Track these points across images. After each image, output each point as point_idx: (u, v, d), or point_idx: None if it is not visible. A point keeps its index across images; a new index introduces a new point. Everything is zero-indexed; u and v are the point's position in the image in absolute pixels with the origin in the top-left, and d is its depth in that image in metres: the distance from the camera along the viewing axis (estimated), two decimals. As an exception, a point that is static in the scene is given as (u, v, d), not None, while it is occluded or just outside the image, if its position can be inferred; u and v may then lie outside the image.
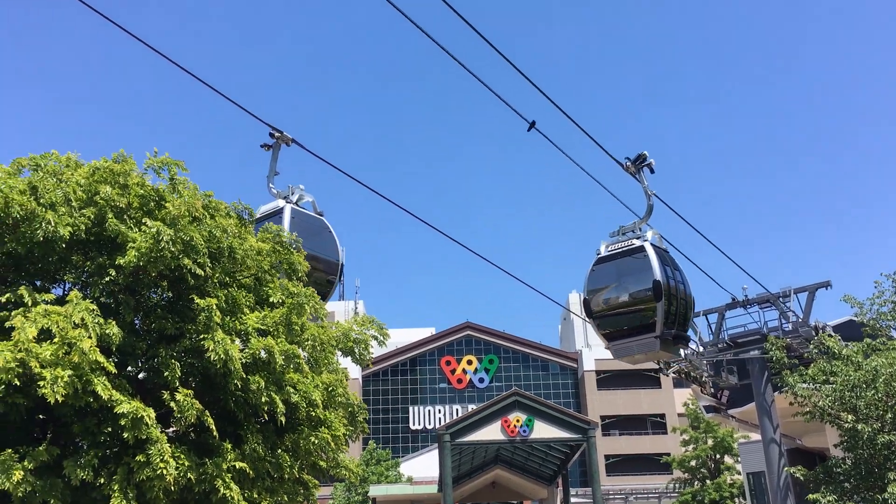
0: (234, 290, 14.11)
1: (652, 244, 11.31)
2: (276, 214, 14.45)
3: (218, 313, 12.78)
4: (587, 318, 11.90)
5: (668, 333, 11.14)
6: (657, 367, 26.94)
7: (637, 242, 11.39)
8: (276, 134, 12.32)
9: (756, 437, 29.84)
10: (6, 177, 13.16)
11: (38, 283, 14.51)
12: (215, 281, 13.93)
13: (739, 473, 44.21)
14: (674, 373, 25.40)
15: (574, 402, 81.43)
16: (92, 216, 13.38)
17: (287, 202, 14.30)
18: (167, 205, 13.28)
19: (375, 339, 15.70)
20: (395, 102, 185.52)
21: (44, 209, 12.49)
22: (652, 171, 10.64)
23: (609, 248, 11.68)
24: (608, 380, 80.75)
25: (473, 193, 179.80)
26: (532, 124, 9.77)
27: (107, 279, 13.15)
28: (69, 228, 12.70)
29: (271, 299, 14.53)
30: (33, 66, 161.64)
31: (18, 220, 12.48)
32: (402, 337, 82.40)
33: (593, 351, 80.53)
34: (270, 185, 14.28)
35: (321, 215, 14.72)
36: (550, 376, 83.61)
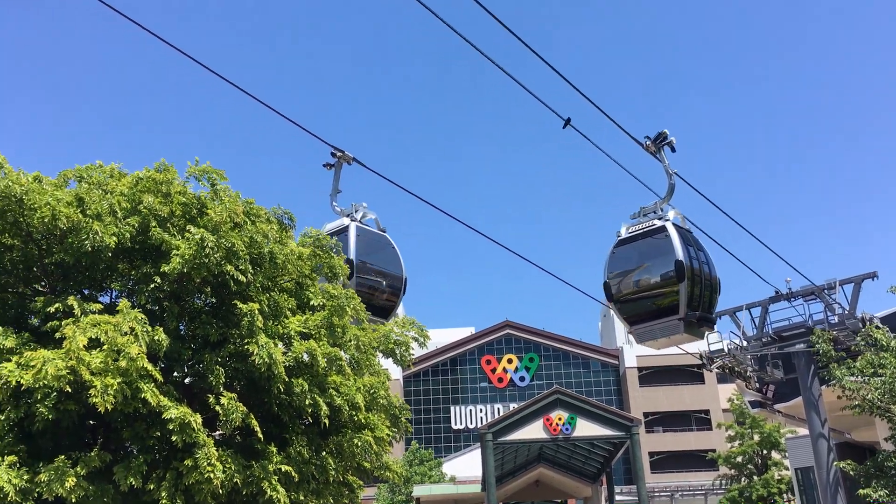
0: (275, 295, 14.28)
1: (674, 224, 10.84)
2: (343, 232, 14.82)
3: (260, 318, 12.97)
4: (608, 303, 11.53)
5: (693, 316, 10.65)
6: (700, 362, 26.67)
7: (658, 223, 10.83)
8: (338, 153, 12.59)
9: (804, 431, 29.37)
10: (53, 189, 13.48)
11: (87, 291, 14.86)
12: (257, 286, 14.12)
13: (787, 469, 43.53)
14: (717, 368, 25.12)
15: (616, 399, 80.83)
16: (136, 225, 13.65)
17: (352, 220, 14.65)
18: (209, 212, 13.51)
19: (416, 340, 15.79)
20: (420, 99, 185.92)
21: (90, 220, 12.78)
22: (673, 150, 10.21)
23: (629, 230, 11.19)
24: (650, 376, 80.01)
25: (508, 190, 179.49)
26: (567, 121, 9.73)
27: (152, 286, 13.43)
28: (115, 238, 12.98)
29: (312, 303, 14.70)
30: (86, 84, 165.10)
31: (66, 231, 12.79)
32: (441, 337, 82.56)
33: (634, 347, 79.84)
34: (334, 203, 14.63)
35: (384, 231, 15.08)
36: (592, 374, 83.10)
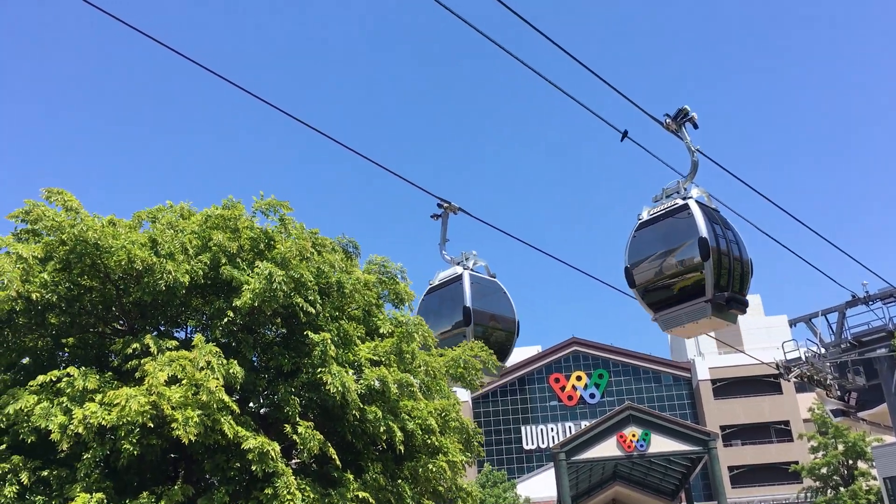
0: (344, 324, 14.51)
1: (697, 201, 10.04)
2: (457, 280, 15.19)
3: (332, 347, 13.19)
4: (631, 289, 10.68)
5: (721, 297, 9.58)
6: (777, 371, 25.96)
7: (681, 202, 9.98)
8: (444, 204, 12.88)
9: (891, 439, 28.34)
10: (128, 231, 13.98)
11: (163, 327, 15.33)
12: (326, 315, 14.37)
13: (875, 479, 41.89)
14: (795, 377, 24.42)
15: (691, 412, 79.08)
16: (207, 261, 14.06)
17: (464, 268, 15.02)
18: (277, 245, 13.88)
19: (484, 364, 15.79)
20: (461, 112, 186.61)
21: (163, 260, 13.23)
22: (696, 126, 9.62)
23: (651, 213, 10.37)
24: (725, 388, 78.09)
25: (565, 206, 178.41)
26: (624, 134, 9.68)
27: (225, 320, 13.80)
28: (188, 276, 13.42)
29: (381, 330, 14.91)
30: (152, 123, 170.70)
31: (141, 272, 13.25)
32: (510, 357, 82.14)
33: (706, 359, 78.15)
34: (443, 252, 15.02)
35: (494, 277, 15.42)
36: (664, 388, 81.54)
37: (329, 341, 13.20)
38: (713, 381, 78.07)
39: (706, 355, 78.28)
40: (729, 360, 76.35)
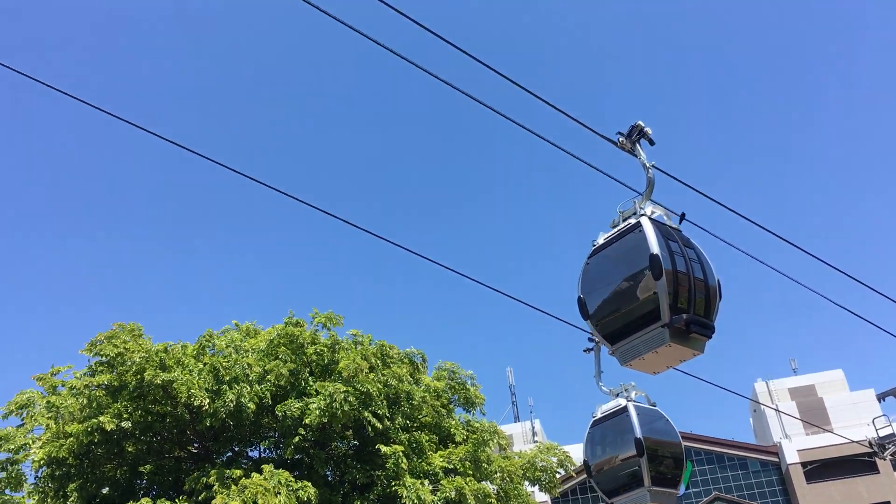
0: (416, 434, 14.45)
1: (651, 219, 8.99)
2: (622, 413, 15.25)
3: (404, 459, 13.09)
4: (585, 321, 9.65)
5: (679, 320, 8.22)
6: (870, 450, 24.60)
7: (634, 220, 9.09)
8: (595, 338, 13.06)
9: None
10: (188, 360, 14.17)
11: (237, 448, 15.40)
12: (397, 427, 14.31)
13: None
14: (892, 455, 23.09)
15: (783, 499, 74.92)
16: (273, 381, 14.22)
17: (627, 400, 15.15)
18: (342, 361, 14.03)
19: (561, 465, 15.40)
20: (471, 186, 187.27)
21: (227, 387, 13.42)
22: (651, 143, 9.11)
23: (605, 238, 9.57)
24: (817, 471, 74.05)
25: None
26: (682, 217, 9.55)
27: (297, 438, 13.81)
28: (255, 399, 13.61)
29: (455, 436, 14.81)
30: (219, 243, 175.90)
31: (204, 402, 13.40)
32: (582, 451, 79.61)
33: (794, 441, 74.66)
34: (600, 385, 15.14)
35: (654, 405, 15.50)
36: (751, 474, 77.67)
37: (401, 453, 13.11)
38: (803, 465, 74.12)
39: (793, 437, 74.88)
40: (818, 440, 72.68)
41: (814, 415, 62.50)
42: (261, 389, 13.92)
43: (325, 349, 14.87)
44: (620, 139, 8.95)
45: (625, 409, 14.59)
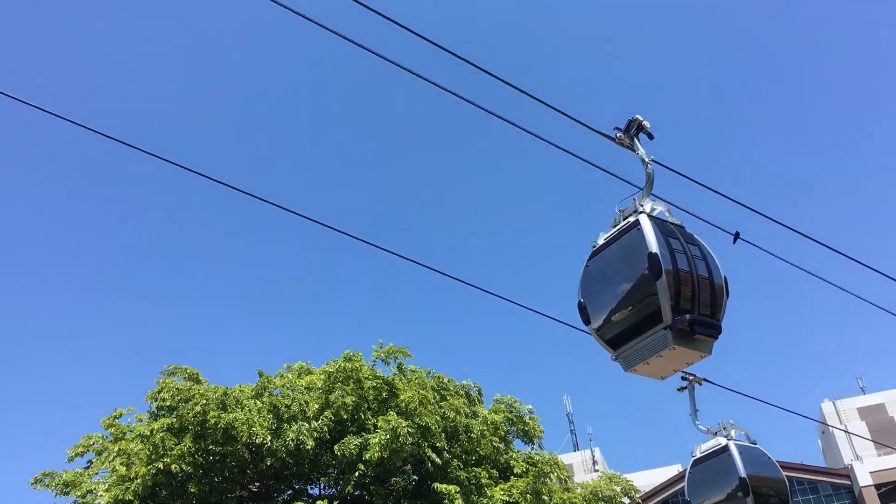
0: (476, 469, 14.32)
1: (650, 216, 8.28)
2: (723, 452, 15.18)
3: (460, 499, 13.00)
4: (587, 326, 8.91)
5: (682, 321, 7.50)
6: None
7: (633, 219, 8.44)
8: (690, 376, 13.02)
9: None
10: (249, 401, 14.37)
11: (297, 485, 15.46)
12: (456, 461, 14.23)
13: None
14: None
15: (858, 523, 72.34)
16: (332, 417, 14.25)
17: (727, 439, 15.07)
18: (400, 395, 14.04)
19: (625, 494, 15.09)
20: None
21: (287, 425, 13.56)
22: (650, 137, 8.60)
23: (605, 238, 8.92)
24: (892, 493, 71.41)
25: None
26: (736, 236, 9.35)
27: (357, 474, 13.79)
28: (314, 436, 13.67)
29: (515, 469, 14.65)
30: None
31: (266, 440, 13.55)
32: (647, 480, 77.81)
33: (866, 463, 72.07)
34: (697, 423, 15.05)
35: (755, 444, 15.40)
36: (823, 499, 75.20)
37: (457, 493, 13.03)
38: (877, 486, 71.49)
39: (864, 458, 72.30)
40: (891, 461, 70.18)
41: (886, 435, 60.36)
42: (319, 426, 13.97)
43: (383, 383, 14.91)
44: (618, 135, 8.42)
45: (726, 448, 14.35)
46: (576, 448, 78.40)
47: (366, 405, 14.95)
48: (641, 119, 8.05)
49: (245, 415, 13.51)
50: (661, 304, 7.22)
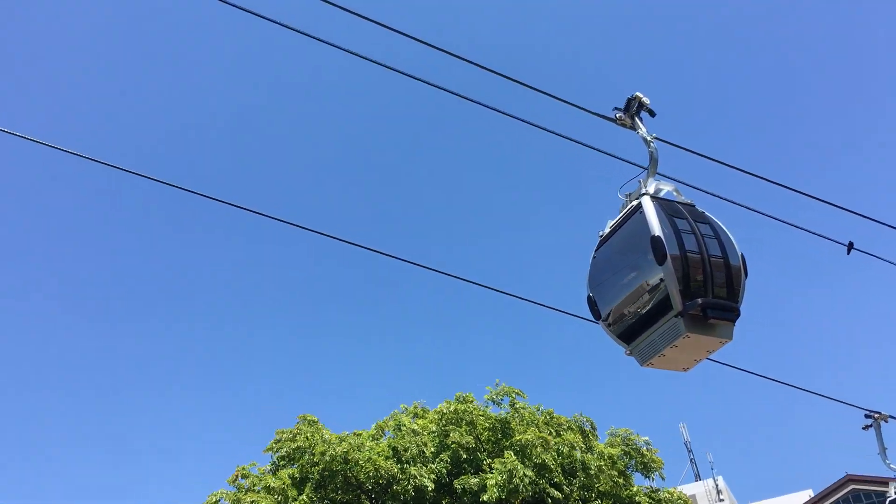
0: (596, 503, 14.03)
1: (654, 197, 7.37)
2: None
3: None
4: (597, 322, 7.93)
5: (693, 306, 6.57)
6: None
7: (636, 203, 7.56)
8: (874, 414, 12.84)
9: None
10: (371, 442, 14.62)
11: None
12: (576, 498, 13.97)
13: None
14: None
15: None
16: (448, 459, 14.28)
17: None
18: (515, 435, 13.99)
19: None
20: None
21: (407, 466, 13.64)
22: (652, 115, 7.83)
23: (611, 226, 8.00)
24: None
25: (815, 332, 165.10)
26: (850, 246, 8.93)
27: (476, 516, 13.72)
28: (433, 477, 13.70)
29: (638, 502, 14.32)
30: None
31: (389, 480, 13.69)
32: (778, 508, 74.35)
33: None
34: (887, 462, 14.82)
35: None
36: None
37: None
38: None
39: None
40: None
41: None
42: (437, 468, 14.06)
43: (497, 423, 14.90)
44: (618, 115, 7.85)
45: None
46: (697, 478, 75.50)
47: (481, 446, 14.93)
48: (641, 96, 7.64)
49: (366, 454, 13.72)
50: (670, 290, 6.70)
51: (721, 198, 7.97)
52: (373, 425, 15.97)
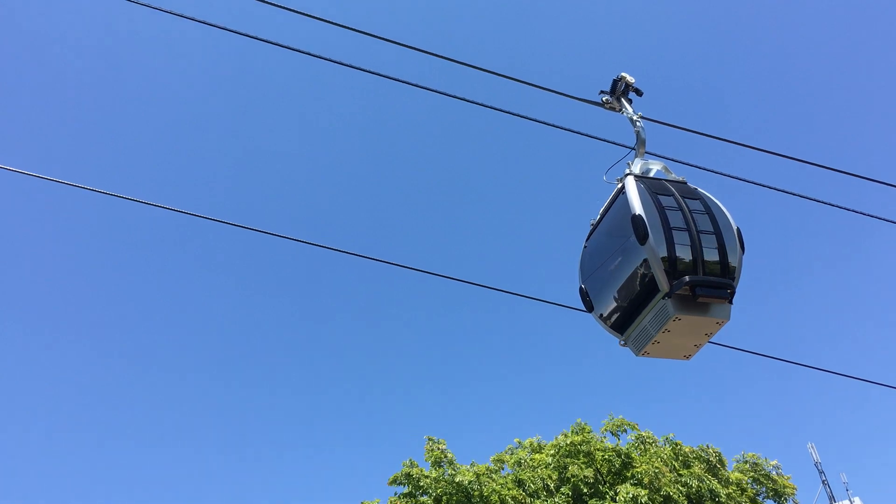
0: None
1: (637, 176, 6.71)
2: None
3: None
4: (590, 314, 7.24)
5: (681, 286, 6.22)
6: None
7: (620, 185, 6.96)
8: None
9: None
10: (493, 474, 14.61)
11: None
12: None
13: None
14: None
15: None
16: (569, 492, 14.11)
17: None
18: (637, 466, 13.71)
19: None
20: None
21: (532, 499, 13.54)
22: (639, 94, 7.25)
23: (601, 212, 7.38)
24: None
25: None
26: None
27: (602, 547, 13.49)
28: (556, 510, 13.56)
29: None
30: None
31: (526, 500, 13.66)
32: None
33: None
34: None
35: None
36: None
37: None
38: None
39: None
40: None
41: None
42: (559, 501, 13.92)
43: (615, 455, 14.64)
44: (604, 98, 7.60)
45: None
46: (832, 501, 71.60)
47: (601, 478, 14.71)
48: (626, 76, 7.43)
49: (491, 486, 13.73)
50: (654, 271, 6.32)
51: (718, 173, 7.65)
52: (491, 458, 15.96)
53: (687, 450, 14.62)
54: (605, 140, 7.64)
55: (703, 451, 15.06)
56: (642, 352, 6.92)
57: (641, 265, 6.40)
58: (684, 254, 6.33)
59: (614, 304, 6.97)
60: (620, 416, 15.27)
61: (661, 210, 6.53)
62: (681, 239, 6.40)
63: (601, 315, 7.16)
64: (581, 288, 7.34)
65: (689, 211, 6.69)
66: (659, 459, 13.65)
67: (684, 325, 6.45)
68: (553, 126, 7.88)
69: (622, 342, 7.16)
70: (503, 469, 15.75)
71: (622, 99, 7.61)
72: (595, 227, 7.38)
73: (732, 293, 6.43)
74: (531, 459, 15.39)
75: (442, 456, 14.62)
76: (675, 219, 6.52)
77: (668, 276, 6.20)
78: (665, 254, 6.23)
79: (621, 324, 6.99)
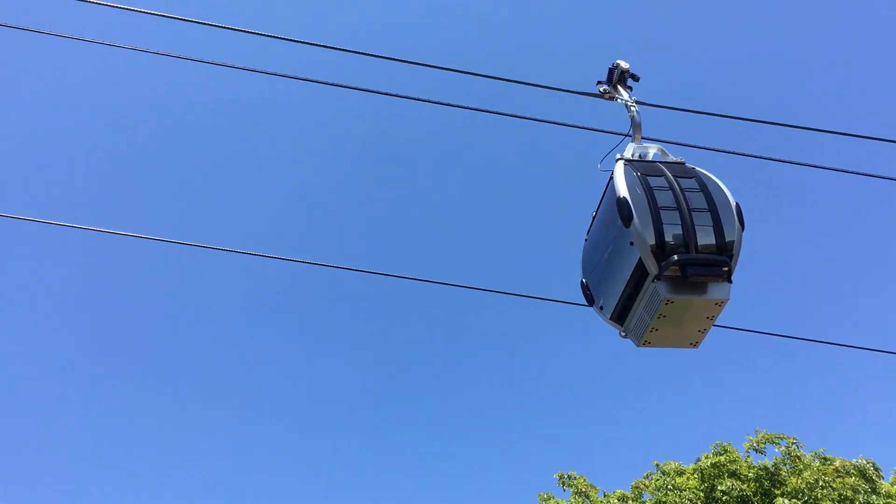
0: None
1: (627, 160, 6.13)
2: None
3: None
4: (591, 307, 6.57)
5: (669, 265, 5.85)
6: None
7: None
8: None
9: None
10: (631, 501, 14.50)
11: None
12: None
13: None
14: None
15: None
16: (721, 511, 13.83)
17: None
18: (785, 481, 13.30)
19: None
20: None
21: None
22: (636, 79, 6.71)
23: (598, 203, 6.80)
24: None
25: None
26: None
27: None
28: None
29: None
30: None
31: None
32: None
33: None
34: None
35: None
36: None
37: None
38: None
39: None
40: None
41: None
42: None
43: (762, 472, 14.27)
44: (602, 88, 7.42)
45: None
46: None
47: (750, 497, 14.33)
48: (621, 62, 7.31)
49: None
50: (641, 253, 6.07)
51: (718, 150, 7.58)
52: (630, 485, 15.78)
53: (837, 463, 14.06)
54: (600, 130, 7.57)
55: (856, 466, 14.48)
56: (642, 341, 6.71)
57: (630, 249, 6.25)
58: (674, 233, 6.13)
59: (611, 295, 6.83)
60: (765, 430, 14.82)
61: (650, 191, 6.37)
62: (669, 219, 6.22)
63: (601, 307, 7.02)
64: (582, 282, 7.27)
65: (682, 189, 6.51)
66: (810, 472, 13.21)
67: (680, 308, 6.24)
68: (547, 122, 7.93)
69: (622, 333, 6.96)
70: (642, 495, 15.51)
71: (619, 86, 7.55)
72: (593, 218, 7.29)
73: (729, 271, 6.15)
74: (674, 483, 15.11)
75: (585, 487, 14.71)
76: (664, 198, 6.34)
77: (655, 257, 6.01)
78: (651, 234, 6.05)
79: (620, 315, 6.81)
